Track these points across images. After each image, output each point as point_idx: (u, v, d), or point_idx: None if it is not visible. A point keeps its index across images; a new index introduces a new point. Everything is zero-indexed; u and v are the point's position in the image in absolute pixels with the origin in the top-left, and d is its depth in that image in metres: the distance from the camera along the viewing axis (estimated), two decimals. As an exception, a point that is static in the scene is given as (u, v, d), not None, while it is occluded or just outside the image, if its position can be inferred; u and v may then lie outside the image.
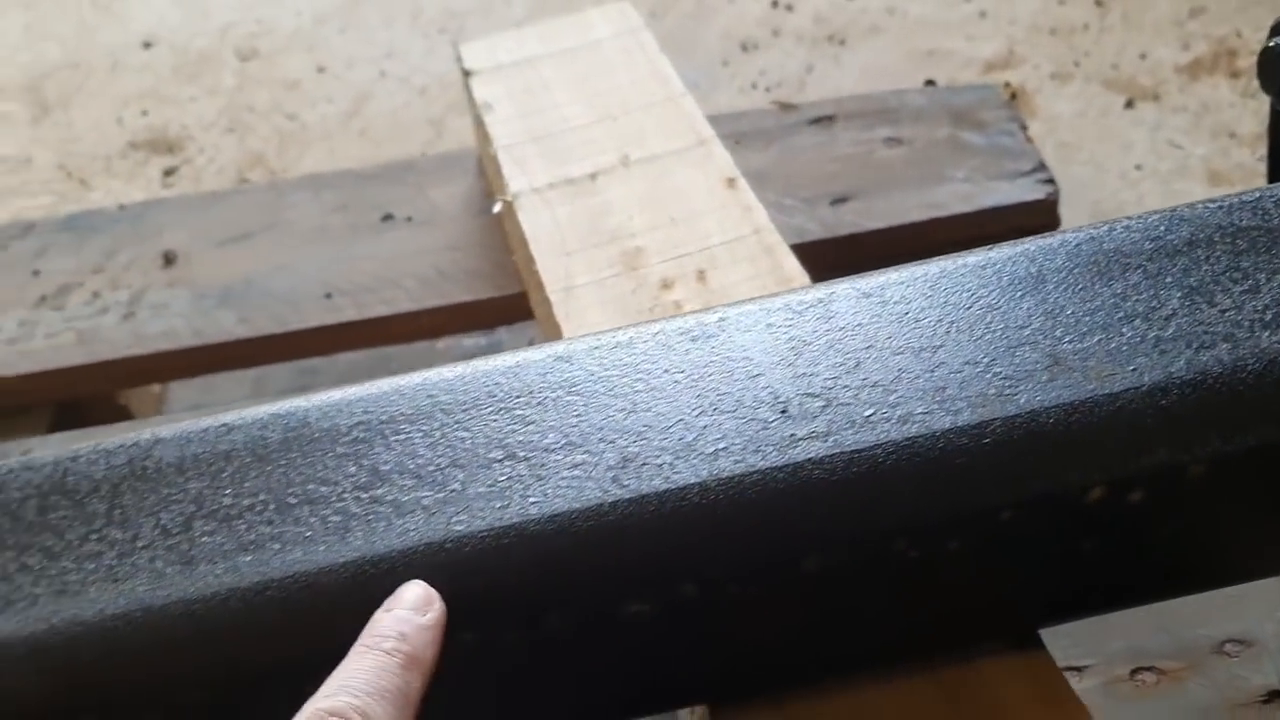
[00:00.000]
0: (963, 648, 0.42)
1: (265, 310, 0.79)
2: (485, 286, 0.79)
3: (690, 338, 0.43)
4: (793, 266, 0.60)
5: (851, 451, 0.38)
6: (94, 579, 0.39)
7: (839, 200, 0.79)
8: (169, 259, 0.84)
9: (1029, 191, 0.77)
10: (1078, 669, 0.54)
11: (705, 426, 0.40)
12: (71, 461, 0.43)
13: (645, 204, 0.65)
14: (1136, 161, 1.18)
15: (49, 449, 0.46)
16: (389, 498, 0.40)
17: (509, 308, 0.78)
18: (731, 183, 0.65)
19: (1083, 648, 0.55)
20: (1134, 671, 0.55)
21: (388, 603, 0.37)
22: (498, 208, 0.70)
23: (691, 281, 0.60)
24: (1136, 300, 0.41)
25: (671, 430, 0.40)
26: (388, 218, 0.84)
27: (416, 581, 0.38)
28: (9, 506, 0.42)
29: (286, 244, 0.84)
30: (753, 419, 0.40)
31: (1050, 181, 0.78)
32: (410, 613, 0.37)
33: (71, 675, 0.38)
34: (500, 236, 0.77)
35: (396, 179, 0.87)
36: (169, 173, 1.30)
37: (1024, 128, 0.83)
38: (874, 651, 0.42)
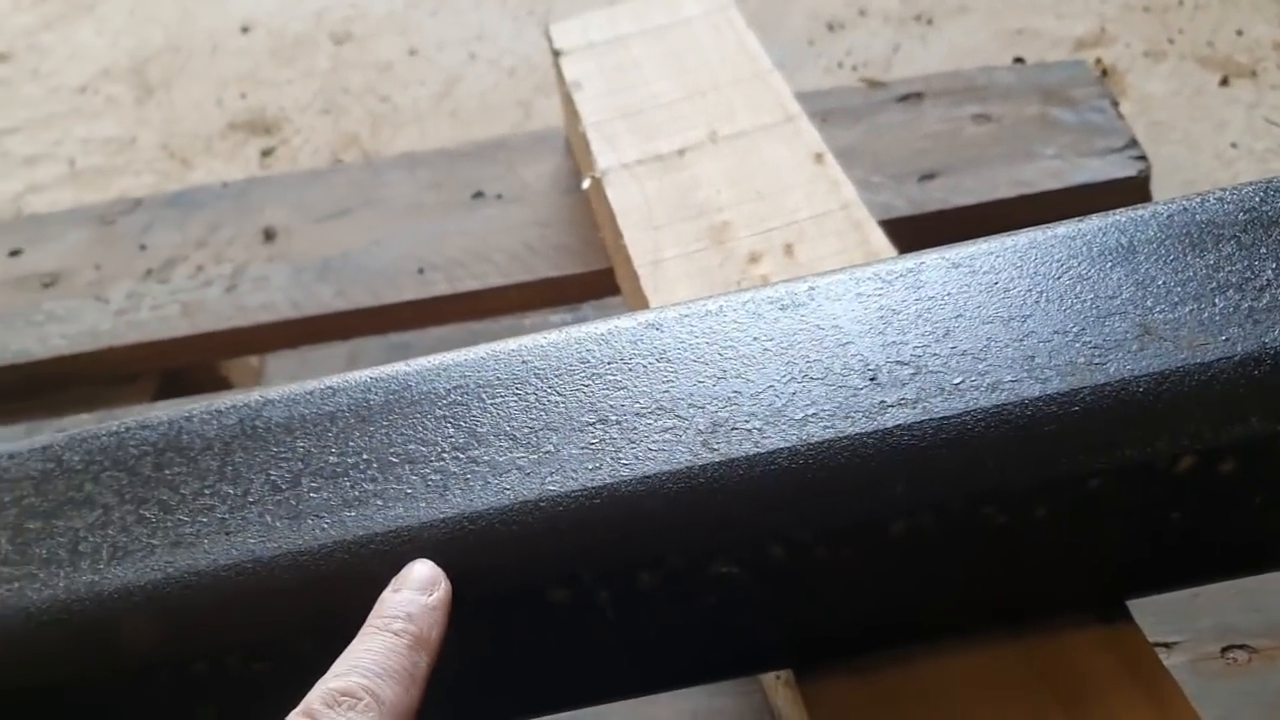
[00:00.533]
0: (1048, 617, 0.42)
1: (360, 284, 0.81)
2: (573, 262, 0.80)
3: (779, 306, 0.44)
4: (880, 241, 0.60)
5: (940, 418, 0.39)
6: (207, 531, 0.41)
7: (927, 177, 0.79)
8: (269, 234, 0.87)
9: (1120, 168, 0.77)
10: (1166, 645, 0.54)
11: (794, 393, 0.41)
12: (185, 421, 0.45)
13: (733, 179, 0.66)
14: (1232, 140, 1.15)
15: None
16: (485, 458, 0.41)
17: (595, 284, 0.79)
18: (819, 158, 0.65)
19: (1171, 624, 0.54)
20: (1225, 649, 0.54)
21: (395, 582, 0.39)
22: (586, 184, 0.71)
23: (779, 255, 0.61)
24: (1230, 271, 0.41)
25: (761, 396, 0.41)
26: (479, 195, 0.86)
27: (423, 560, 0.39)
28: (127, 463, 0.44)
29: (382, 220, 0.86)
30: (842, 386, 0.41)
31: (1142, 158, 0.77)
32: (416, 594, 0.38)
33: (185, 623, 0.40)
34: (588, 214, 0.78)
35: (488, 157, 0.89)
36: (266, 153, 1.33)
37: (1115, 104, 0.81)
38: (958, 619, 0.42)
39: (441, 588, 0.39)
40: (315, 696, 0.35)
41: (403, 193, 0.88)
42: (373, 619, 0.38)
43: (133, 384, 0.85)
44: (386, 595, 0.38)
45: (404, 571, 0.39)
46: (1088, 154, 0.78)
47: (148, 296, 0.85)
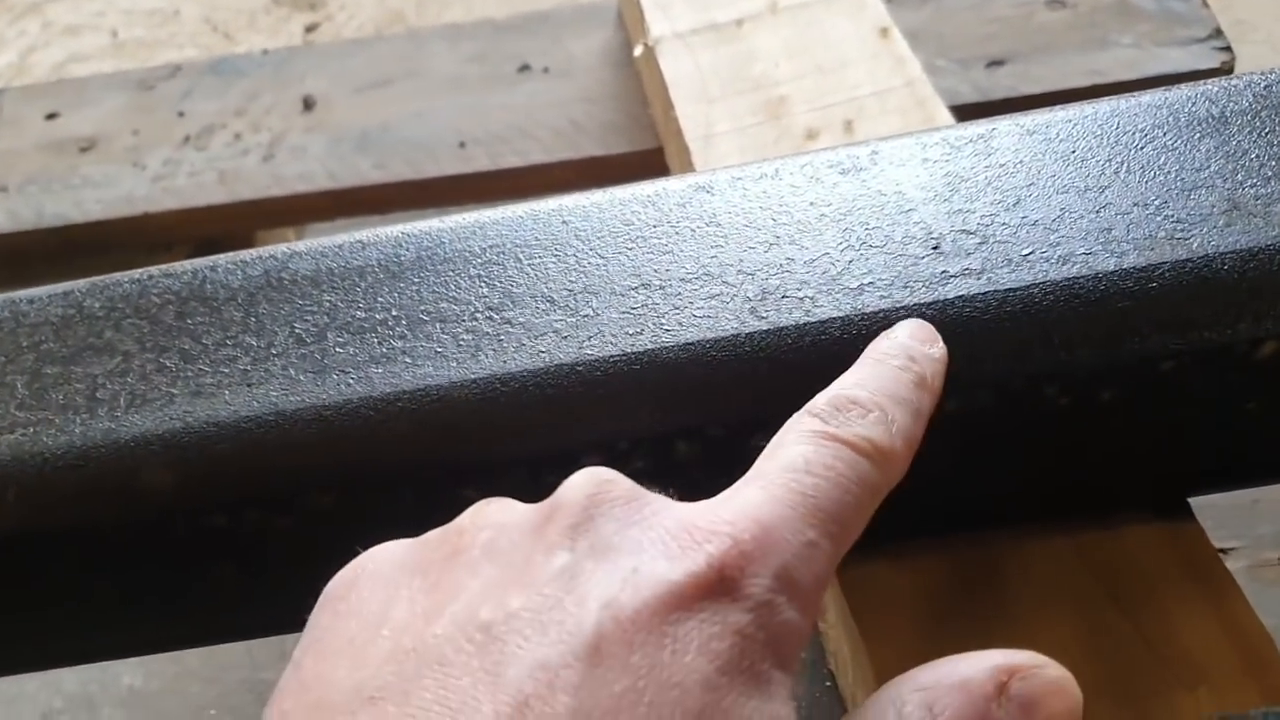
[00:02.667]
0: (1106, 511, 0.40)
1: (400, 156, 0.79)
2: (620, 141, 0.77)
3: (840, 170, 0.41)
4: (946, 121, 0.57)
5: (1005, 290, 0.36)
6: (229, 382, 0.39)
7: (995, 63, 0.75)
8: (308, 104, 0.85)
9: (1202, 59, 0.72)
10: (1224, 551, 0.52)
11: (851, 261, 0.38)
12: (210, 270, 0.43)
13: (792, 52, 0.63)
14: (1317, 43, 1.10)
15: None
16: (521, 320, 0.39)
17: (643, 164, 0.77)
18: (885, 33, 0.62)
19: (1229, 529, 0.52)
20: (1284, 556, 0.52)
21: (886, 333, 0.35)
22: (639, 51, 0.68)
23: (838, 132, 0.58)
24: (1331, 146, 0.38)
25: (815, 264, 0.39)
26: (524, 68, 0.83)
27: (918, 320, 0.35)
28: (148, 310, 0.42)
29: (423, 92, 0.83)
30: (902, 254, 0.38)
31: (1227, 49, 0.73)
32: (915, 341, 0.34)
33: (204, 474, 0.38)
34: (638, 90, 0.76)
35: (534, 29, 0.86)
36: (310, 29, 1.30)
37: (1201, -9, 0.77)
38: (1009, 507, 0.40)
39: (941, 345, 0.34)
40: (821, 400, 0.30)
41: (445, 64, 0.85)
42: (868, 354, 0.34)
43: (169, 251, 0.84)
44: (878, 339, 0.34)
45: (896, 326, 0.35)
46: (1167, 43, 0.74)
47: (185, 164, 0.84)
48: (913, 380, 0.32)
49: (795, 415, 0.30)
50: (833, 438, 0.29)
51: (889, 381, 0.32)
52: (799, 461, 0.28)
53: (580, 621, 0.23)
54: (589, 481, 0.27)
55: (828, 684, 0.48)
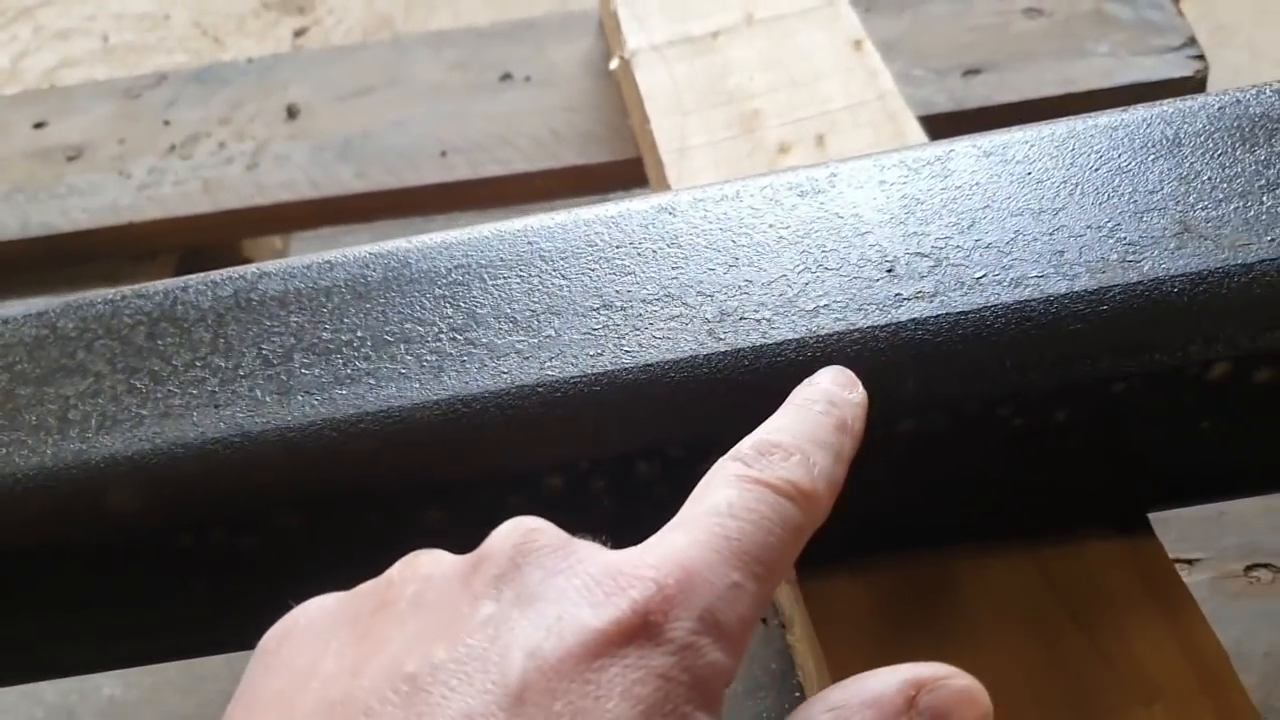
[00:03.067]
0: (1066, 528, 0.41)
1: (382, 165, 0.80)
2: (600, 150, 0.77)
3: (799, 193, 0.42)
4: (916, 134, 0.57)
5: (958, 313, 0.37)
6: (197, 404, 0.40)
7: (971, 72, 0.76)
8: (292, 112, 0.85)
9: (1176, 68, 0.73)
10: (1188, 562, 0.52)
11: (808, 283, 0.39)
12: (181, 291, 0.44)
13: (767, 65, 0.63)
14: (1300, 47, 1.10)
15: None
16: (484, 340, 0.40)
17: (623, 173, 0.77)
18: (858, 45, 0.63)
19: (1193, 541, 0.53)
20: (1248, 568, 0.52)
21: (808, 380, 0.35)
22: (614, 64, 0.68)
23: (810, 146, 0.58)
24: (1281, 168, 0.39)
25: (773, 286, 0.39)
26: (506, 77, 0.84)
27: (838, 367, 0.36)
28: (120, 331, 0.43)
29: (405, 100, 0.84)
30: (857, 277, 0.39)
31: (1200, 58, 0.73)
32: (836, 387, 0.35)
33: (171, 494, 0.39)
34: (618, 100, 0.76)
35: (517, 37, 0.86)
36: (299, 33, 1.31)
37: (1175, 1, 0.77)
38: (969, 524, 0.41)
39: (861, 389, 0.35)
40: (746, 444, 0.31)
41: (428, 72, 0.85)
42: (791, 400, 0.34)
43: (153, 260, 0.84)
44: (801, 386, 0.35)
45: (817, 374, 0.35)
46: (1142, 52, 0.74)
47: (170, 172, 0.84)
48: (834, 424, 0.33)
49: (720, 460, 0.31)
50: (756, 481, 0.29)
51: (811, 426, 0.32)
52: (723, 505, 0.28)
53: (505, 671, 0.24)
54: (515, 531, 0.28)
55: (796, 695, 0.48)
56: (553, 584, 0.26)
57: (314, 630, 0.28)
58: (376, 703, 0.24)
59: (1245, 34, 1.13)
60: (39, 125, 0.91)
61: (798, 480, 0.29)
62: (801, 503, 0.29)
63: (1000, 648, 0.39)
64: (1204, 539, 0.53)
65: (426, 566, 0.28)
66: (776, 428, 0.32)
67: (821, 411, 0.33)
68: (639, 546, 0.28)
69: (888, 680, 0.26)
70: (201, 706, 0.56)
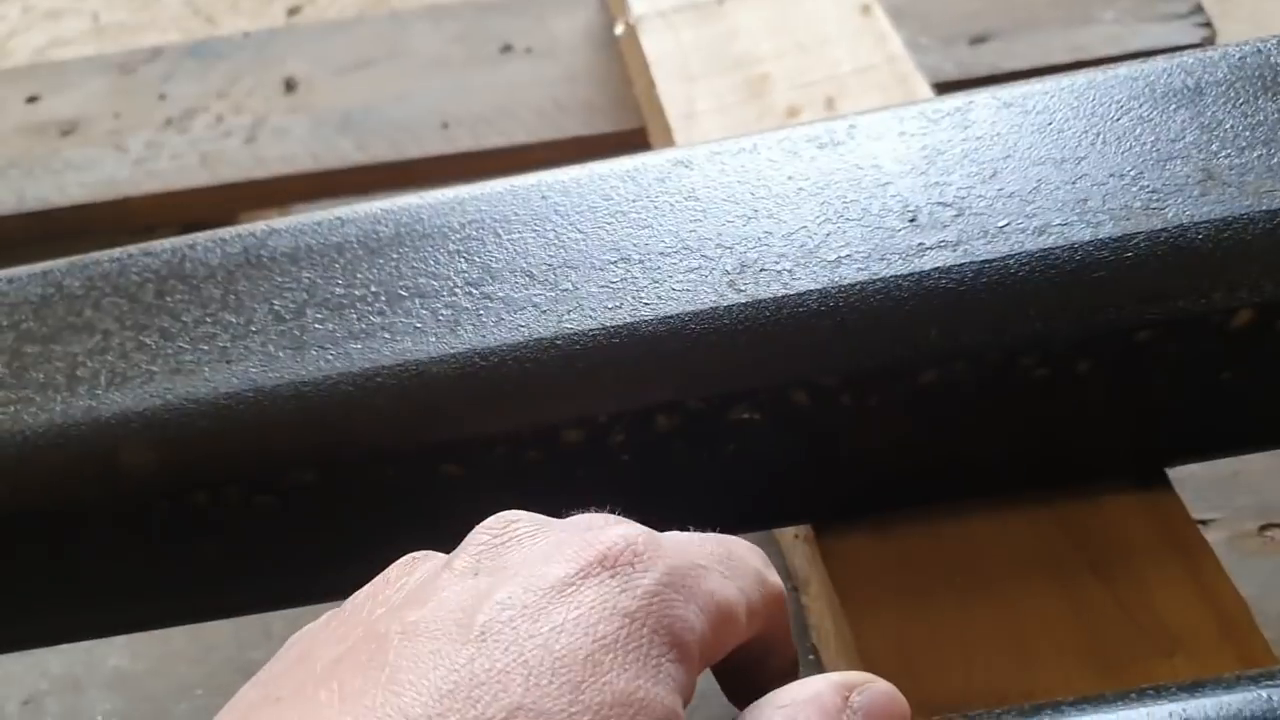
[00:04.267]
0: (1085, 482, 0.40)
1: (382, 137, 0.79)
2: (602, 121, 0.77)
3: (817, 144, 0.41)
4: (927, 98, 0.57)
5: (981, 261, 0.37)
6: (208, 359, 0.39)
7: (978, 40, 0.75)
8: (290, 85, 0.84)
9: (1183, 35, 0.73)
10: (1203, 522, 0.52)
11: (829, 234, 0.38)
12: (189, 248, 0.43)
13: (774, 29, 0.63)
14: (1300, 21, 1.10)
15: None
16: (500, 294, 0.39)
17: (626, 144, 0.76)
18: (866, 9, 0.62)
19: (1209, 501, 0.53)
20: (1263, 528, 0.52)
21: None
22: (620, 30, 0.68)
23: (819, 110, 0.58)
24: (1305, 115, 0.38)
25: (793, 237, 0.39)
26: (507, 48, 0.83)
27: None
28: (128, 289, 0.42)
29: (406, 73, 0.83)
30: (879, 227, 0.38)
31: (1207, 25, 0.73)
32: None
33: (184, 451, 0.38)
34: (621, 70, 0.75)
35: (517, 9, 0.86)
36: (293, 12, 1.29)
37: (1181, -32, 0.77)
38: (989, 479, 0.41)
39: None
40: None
41: (428, 45, 0.85)
42: None
43: (151, 235, 0.83)
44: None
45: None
46: (1149, 19, 0.74)
47: (166, 146, 0.83)
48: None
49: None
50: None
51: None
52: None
53: (472, 617, 0.25)
54: (496, 520, 0.29)
55: (810, 657, 0.48)
56: (528, 556, 0.27)
57: (316, 628, 0.29)
58: (348, 663, 0.25)
59: (1250, 5, 1.12)
60: (31, 100, 0.90)
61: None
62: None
63: (1021, 601, 0.38)
64: (1218, 499, 0.53)
65: (419, 562, 0.30)
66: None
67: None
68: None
69: (826, 682, 0.28)
70: (210, 676, 0.56)
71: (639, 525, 0.28)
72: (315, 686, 0.25)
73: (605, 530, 0.27)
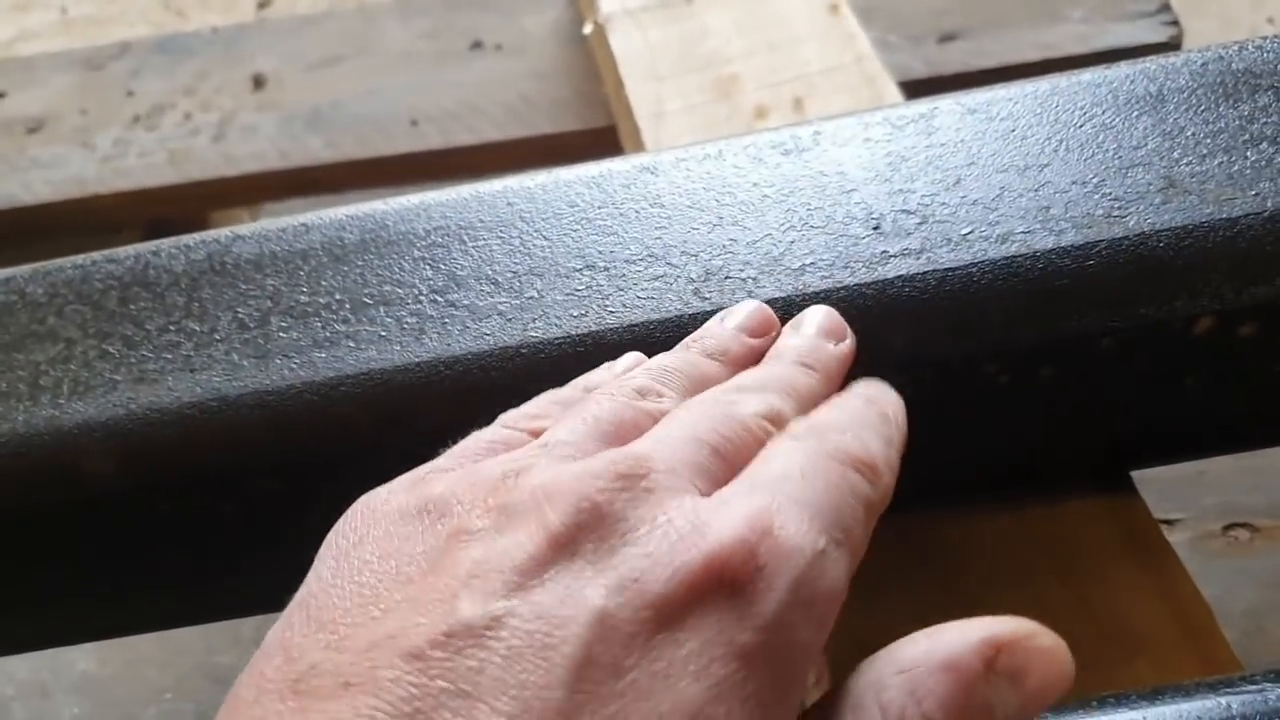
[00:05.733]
0: (1050, 486, 0.41)
1: (352, 135, 0.79)
2: (572, 118, 0.77)
3: (782, 151, 0.41)
4: (895, 98, 0.57)
5: (945, 269, 0.37)
6: (171, 368, 0.39)
7: (947, 38, 0.76)
8: (259, 82, 0.84)
9: (1150, 33, 0.73)
10: (1168, 522, 0.52)
11: (793, 242, 0.38)
12: (153, 255, 0.43)
13: (743, 29, 0.62)
14: (1268, 15, 1.11)
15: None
16: (465, 302, 0.39)
17: (596, 142, 0.76)
18: (834, 8, 0.62)
19: (1174, 502, 0.53)
20: (1226, 528, 0.53)
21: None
22: (588, 28, 0.67)
23: (787, 110, 0.58)
24: (1265, 123, 0.38)
25: (758, 245, 0.39)
26: (476, 45, 0.83)
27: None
28: (91, 296, 0.42)
29: (375, 69, 0.83)
30: (843, 235, 0.38)
31: (1174, 24, 0.73)
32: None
33: (148, 460, 0.38)
34: (590, 67, 0.75)
35: (487, 5, 0.85)
36: (263, 5, 1.29)
37: (1149, -34, 0.77)
38: (954, 484, 0.41)
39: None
40: (799, 424, 0.27)
41: (397, 41, 0.84)
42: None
43: (118, 234, 0.83)
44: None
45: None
46: (1116, 18, 0.74)
47: (134, 144, 0.83)
48: (878, 413, 0.30)
49: (775, 437, 0.27)
50: (820, 452, 0.26)
51: (859, 414, 0.29)
52: (794, 470, 0.25)
53: (566, 638, 0.21)
54: (608, 469, 0.24)
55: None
56: (628, 557, 0.22)
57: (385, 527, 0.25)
58: (429, 651, 0.21)
59: (1218, 3, 1.13)
60: (-2, 97, 0.89)
61: (859, 453, 0.26)
62: (869, 475, 0.26)
63: (986, 606, 0.38)
64: (1183, 499, 0.53)
65: (421, 525, 0.25)
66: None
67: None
68: (709, 505, 0.24)
69: (964, 639, 0.22)
70: (180, 680, 0.56)
71: (745, 514, 0.22)
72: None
73: (717, 519, 0.22)
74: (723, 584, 0.21)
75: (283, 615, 0.23)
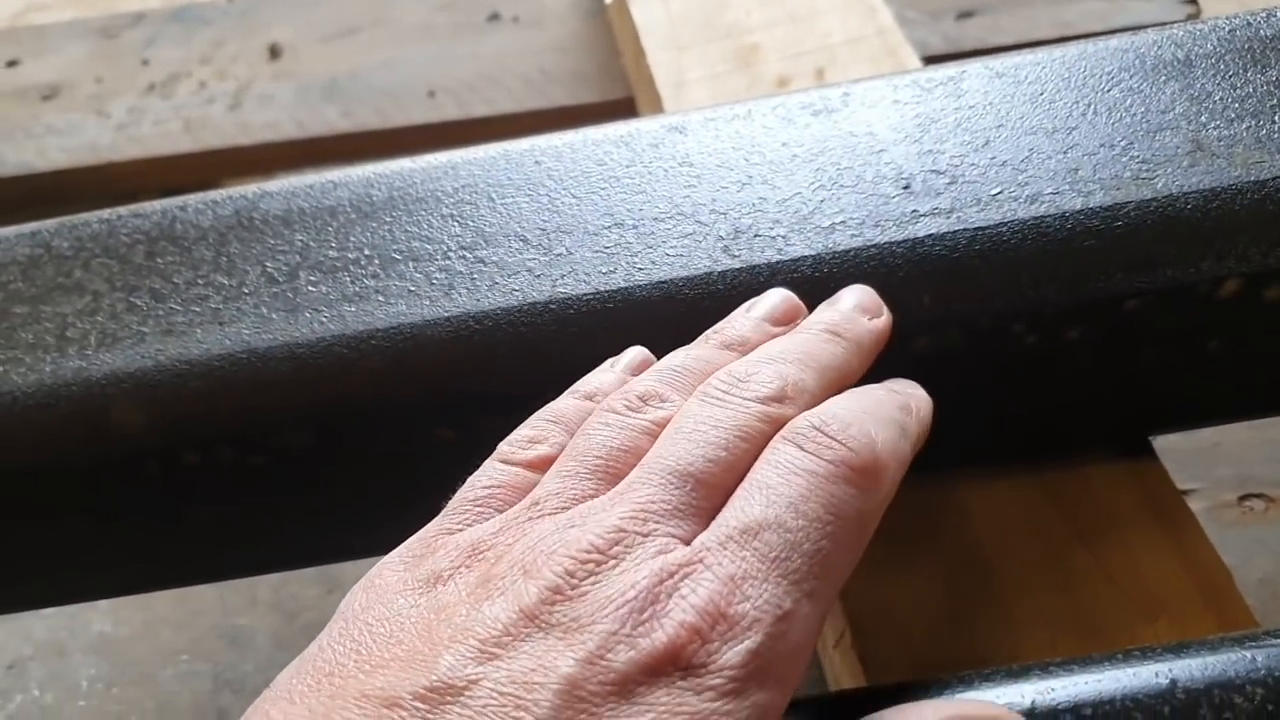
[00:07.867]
0: (1070, 450, 0.41)
1: (368, 105, 0.79)
2: (589, 91, 0.77)
3: (812, 111, 0.41)
4: (917, 69, 0.57)
5: (974, 229, 0.37)
6: (200, 321, 0.39)
7: (965, 15, 0.75)
8: (275, 52, 0.84)
9: (1167, 11, 0.73)
10: (1184, 492, 0.52)
11: (823, 200, 0.39)
12: (180, 210, 0.43)
13: (764, 0, 0.62)
14: (1283, 0, 1.10)
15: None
16: (494, 258, 0.39)
17: (613, 114, 0.76)
18: (855, -20, 0.62)
19: (1189, 472, 0.53)
20: (1242, 498, 0.53)
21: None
22: (609, -1, 0.67)
23: (809, 80, 0.58)
24: (1293, 88, 0.39)
25: (787, 203, 0.39)
26: (494, 17, 0.83)
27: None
28: (118, 250, 0.42)
29: (392, 40, 0.82)
30: (873, 194, 0.38)
31: (1192, 2, 0.73)
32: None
33: (176, 412, 0.38)
34: (608, 40, 0.75)
35: (505, -22, 0.85)
36: (275, -21, 1.28)
37: (1168, -55, 0.77)
38: (975, 447, 0.41)
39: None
40: (800, 421, 0.28)
41: (414, 12, 0.84)
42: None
43: (133, 201, 0.83)
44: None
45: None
46: (1135, -4, 0.74)
47: (149, 112, 0.83)
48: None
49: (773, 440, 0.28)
50: (803, 471, 0.26)
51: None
52: (771, 519, 0.25)
53: (537, 702, 0.22)
54: (515, 519, 0.27)
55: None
56: (601, 614, 0.24)
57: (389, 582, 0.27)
58: (412, 703, 0.23)
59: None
60: (11, 64, 0.89)
61: (859, 459, 0.26)
62: (867, 483, 0.26)
63: (1008, 570, 0.39)
64: (1199, 469, 0.53)
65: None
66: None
67: (886, 392, 0.31)
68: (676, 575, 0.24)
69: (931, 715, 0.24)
70: (195, 641, 0.56)
71: (704, 585, 0.24)
72: None
73: (680, 599, 0.24)
74: (678, 666, 0.23)
75: (293, 664, 0.26)
